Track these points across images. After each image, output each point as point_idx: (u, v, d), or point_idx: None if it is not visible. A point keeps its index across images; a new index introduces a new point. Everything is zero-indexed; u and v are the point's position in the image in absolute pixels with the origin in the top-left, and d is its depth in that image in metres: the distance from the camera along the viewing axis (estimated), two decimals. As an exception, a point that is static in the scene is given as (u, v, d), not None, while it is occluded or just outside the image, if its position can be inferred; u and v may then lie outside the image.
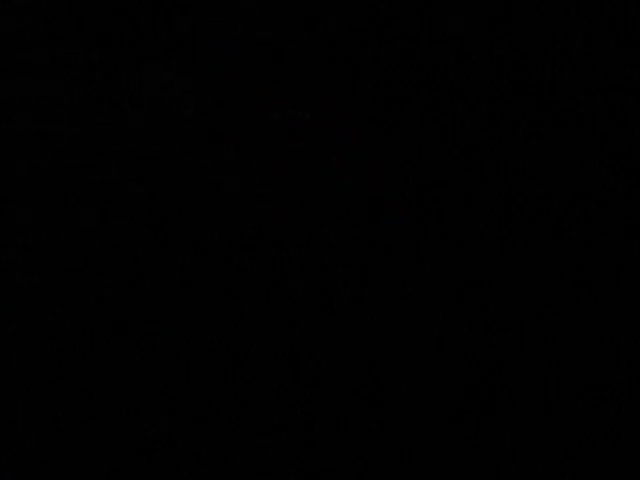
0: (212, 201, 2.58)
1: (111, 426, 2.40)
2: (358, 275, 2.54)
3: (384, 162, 2.58)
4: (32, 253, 2.52)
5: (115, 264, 2.53)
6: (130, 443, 2.39)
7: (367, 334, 2.50)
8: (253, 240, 2.56)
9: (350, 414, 2.44)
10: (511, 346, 2.46)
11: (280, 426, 2.42)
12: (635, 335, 2.44)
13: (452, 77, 2.58)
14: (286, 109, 2.61)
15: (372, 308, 2.51)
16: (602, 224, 2.51)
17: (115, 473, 2.36)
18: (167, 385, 2.44)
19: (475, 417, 2.41)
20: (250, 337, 2.49)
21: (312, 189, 2.59)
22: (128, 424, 2.41)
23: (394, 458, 2.39)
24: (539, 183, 2.55)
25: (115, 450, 2.38)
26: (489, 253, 2.53)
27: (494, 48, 2.58)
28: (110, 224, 2.54)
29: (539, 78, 2.55)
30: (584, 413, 2.40)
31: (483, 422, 2.41)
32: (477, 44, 2.57)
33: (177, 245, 2.55)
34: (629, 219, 2.51)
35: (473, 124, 2.58)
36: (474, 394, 2.43)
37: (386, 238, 2.55)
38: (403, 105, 2.59)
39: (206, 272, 2.53)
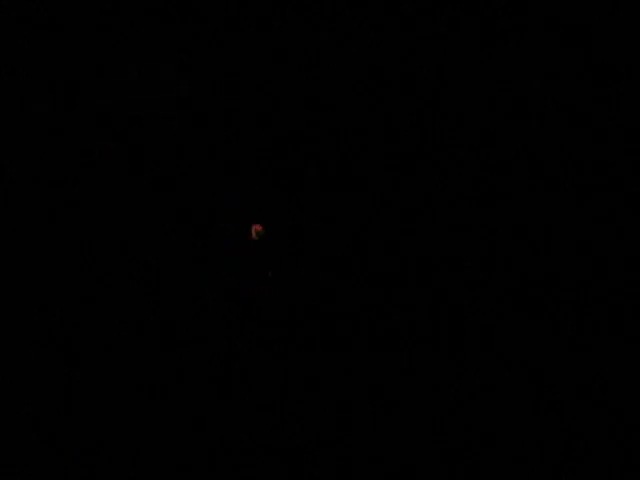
0: (212, 202, 2.58)
1: (111, 426, 2.40)
2: (358, 275, 2.54)
3: (382, 163, 2.58)
4: (32, 253, 2.52)
5: (114, 263, 2.53)
6: (130, 443, 2.39)
7: (367, 334, 2.50)
8: (253, 240, 2.56)
9: (350, 414, 2.44)
10: (510, 346, 2.46)
11: (279, 426, 2.42)
12: (636, 335, 2.43)
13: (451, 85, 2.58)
14: (284, 111, 2.61)
15: (372, 308, 2.51)
16: (602, 224, 2.51)
17: (115, 473, 2.36)
18: (167, 385, 2.44)
19: (475, 417, 2.41)
20: (250, 336, 2.49)
21: (311, 188, 2.59)
22: (128, 424, 2.41)
23: (394, 458, 2.39)
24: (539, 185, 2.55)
25: (115, 450, 2.38)
26: (488, 252, 2.53)
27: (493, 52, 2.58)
28: (110, 224, 2.55)
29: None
30: (584, 413, 2.40)
31: (483, 422, 2.41)
32: (475, 51, 2.58)
33: (177, 247, 2.55)
34: (630, 219, 2.51)
35: (472, 130, 2.58)
36: (474, 394, 2.43)
37: (384, 242, 2.55)
38: (402, 109, 2.60)
39: (206, 272, 2.54)
